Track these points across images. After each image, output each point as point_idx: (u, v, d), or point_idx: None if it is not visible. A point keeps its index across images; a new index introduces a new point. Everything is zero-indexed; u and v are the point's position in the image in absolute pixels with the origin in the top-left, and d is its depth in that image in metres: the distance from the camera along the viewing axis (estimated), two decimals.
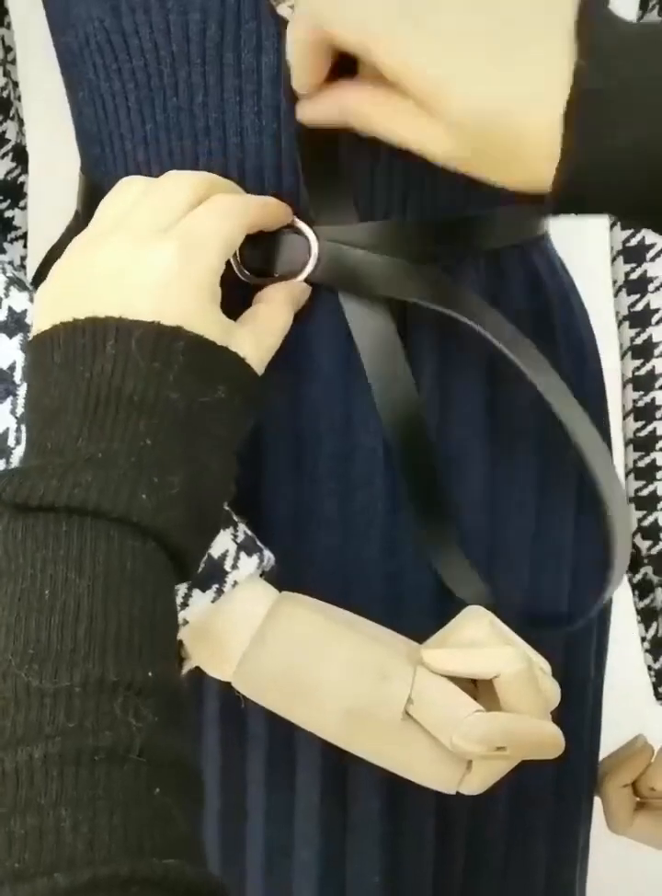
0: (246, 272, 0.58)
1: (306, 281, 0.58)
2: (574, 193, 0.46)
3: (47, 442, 0.49)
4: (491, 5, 0.45)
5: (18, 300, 0.57)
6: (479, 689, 0.56)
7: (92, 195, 0.65)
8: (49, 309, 0.52)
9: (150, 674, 0.44)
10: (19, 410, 0.55)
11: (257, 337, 0.53)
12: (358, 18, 0.46)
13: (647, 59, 0.44)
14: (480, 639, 0.56)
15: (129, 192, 0.55)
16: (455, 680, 0.55)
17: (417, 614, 0.62)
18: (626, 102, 0.44)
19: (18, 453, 0.54)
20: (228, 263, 0.54)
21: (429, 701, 0.54)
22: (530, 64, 0.45)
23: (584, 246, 0.82)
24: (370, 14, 0.46)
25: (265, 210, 0.56)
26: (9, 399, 0.55)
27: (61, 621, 0.44)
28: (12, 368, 0.55)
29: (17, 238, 0.69)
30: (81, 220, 0.66)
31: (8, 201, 0.68)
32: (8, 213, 0.68)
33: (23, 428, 0.54)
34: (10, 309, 0.56)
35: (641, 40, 0.45)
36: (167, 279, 0.50)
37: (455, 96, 0.45)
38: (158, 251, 0.51)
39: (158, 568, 0.47)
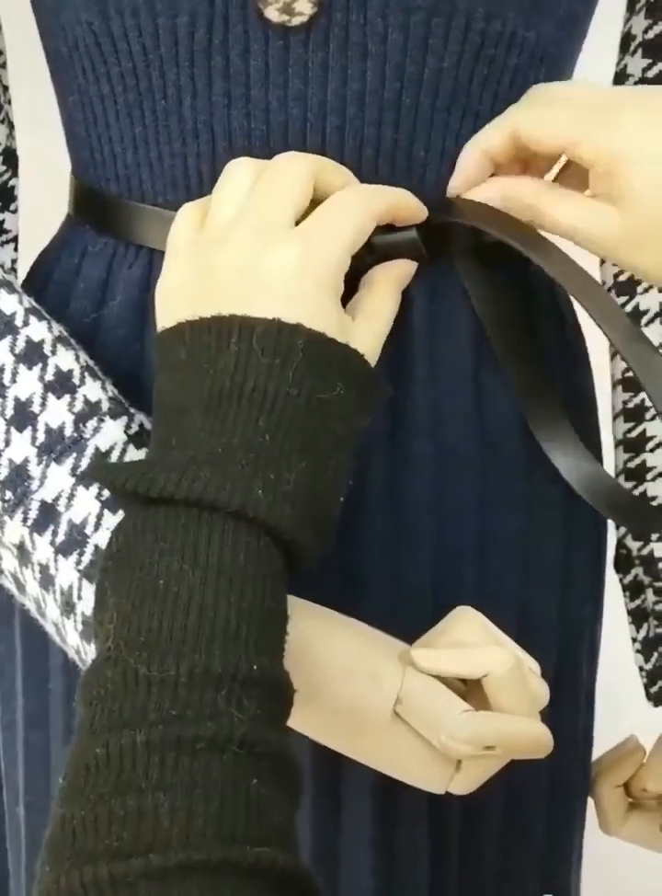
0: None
1: None
2: None
3: (172, 437, 0.50)
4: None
5: (7, 303, 0.57)
6: (468, 689, 0.56)
7: (83, 198, 0.65)
8: (173, 306, 0.53)
9: (255, 667, 0.45)
10: (8, 412, 0.55)
11: (370, 328, 0.54)
12: (563, 125, 0.56)
13: None
14: (469, 639, 0.56)
15: (241, 179, 0.54)
16: (445, 680, 0.55)
17: (411, 614, 0.62)
18: None
19: (8, 454, 0.54)
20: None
21: (418, 701, 0.54)
22: None
23: (572, 248, 0.82)
24: (572, 122, 0.56)
25: (397, 201, 0.56)
26: None
27: (172, 611, 0.45)
28: (1, 370, 0.55)
29: (7, 241, 0.69)
30: (73, 222, 0.66)
31: None
32: None
33: (12, 430, 0.54)
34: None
35: None
36: (292, 278, 0.51)
37: (639, 170, 0.53)
38: (283, 251, 0.51)
39: (270, 564, 0.48)
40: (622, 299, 0.74)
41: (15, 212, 0.69)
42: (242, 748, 0.43)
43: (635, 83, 0.70)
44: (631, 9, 0.70)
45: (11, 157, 0.68)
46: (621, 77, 0.71)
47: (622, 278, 0.74)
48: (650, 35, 0.69)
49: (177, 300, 0.53)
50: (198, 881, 0.39)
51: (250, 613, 0.46)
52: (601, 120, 0.55)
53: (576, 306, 0.71)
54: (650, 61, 0.69)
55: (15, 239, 0.69)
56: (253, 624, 0.46)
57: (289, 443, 0.49)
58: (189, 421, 0.50)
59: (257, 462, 0.48)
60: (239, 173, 0.55)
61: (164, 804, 0.41)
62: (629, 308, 0.74)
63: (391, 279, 0.57)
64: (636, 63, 0.70)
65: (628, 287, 0.74)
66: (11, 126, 0.68)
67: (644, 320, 0.74)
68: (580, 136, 0.55)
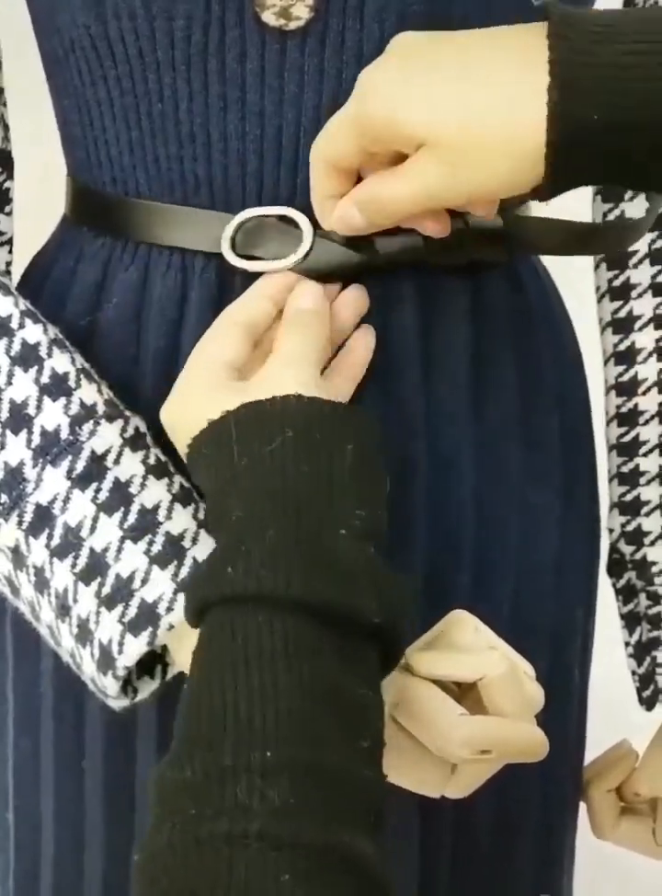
0: (236, 257, 0.58)
1: (293, 270, 0.58)
2: (563, 161, 0.49)
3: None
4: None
5: (3, 305, 0.57)
6: (463, 692, 0.56)
7: (80, 199, 0.65)
8: None
9: (269, 754, 0.43)
10: (4, 415, 0.55)
11: (280, 370, 0.54)
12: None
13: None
14: (464, 643, 0.56)
15: None
16: (440, 683, 0.55)
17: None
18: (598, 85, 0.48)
19: (3, 457, 0.54)
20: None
21: (414, 705, 0.54)
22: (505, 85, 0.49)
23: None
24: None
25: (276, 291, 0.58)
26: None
27: (185, 713, 0.45)
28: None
29: (2, 244, 0.68)
30: (69, 224, 0.66)
31: None
32: None
33: (7, 432, 0.54)
34: None
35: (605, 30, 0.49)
36: (182, 387, 0.56)
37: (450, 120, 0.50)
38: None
39: (290, 637, 0.46)
40: (617, 303, 0.74)
41: (9, 214, 0.69)
42: (263, 840, 0.41)
43: None
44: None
45: (6, 159, 0.68)
46: None
47: (617, 283, 0.74)
48: None
49: None
50: None
51: (262, 697, 0.44)
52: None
53: (573, 312, 0.71)
54: None
55: (9, 241, 0.69)
56: (267, 708, 0.44)
57: (264, 507, 0.49)
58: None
59: (239, 541, 0.48)
60: None
61: None
62: (622, 313, 0.75)
63: (291, 312, 0.57)
64: None
65: (622, 292, 0.74)
66: (6, 128, 0.68)
67: (637, 325, 0.74)
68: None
